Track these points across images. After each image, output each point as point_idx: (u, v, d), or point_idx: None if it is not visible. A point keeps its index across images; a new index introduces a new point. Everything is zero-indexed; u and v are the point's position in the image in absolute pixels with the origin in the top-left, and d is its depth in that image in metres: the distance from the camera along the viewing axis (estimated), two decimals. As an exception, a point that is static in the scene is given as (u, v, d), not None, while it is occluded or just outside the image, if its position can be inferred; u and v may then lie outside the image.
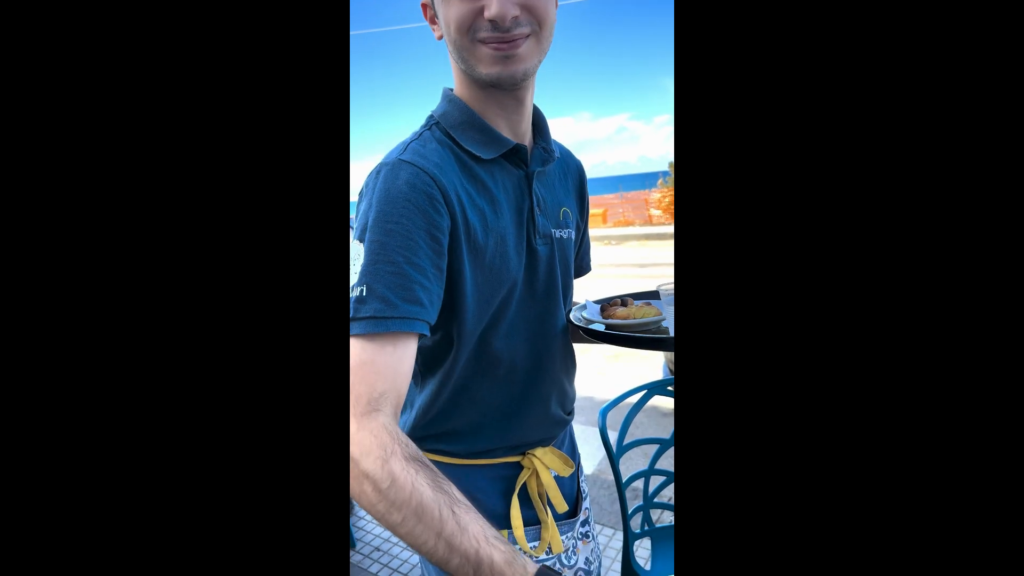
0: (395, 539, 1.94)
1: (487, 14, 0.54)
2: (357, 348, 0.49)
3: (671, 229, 11.22)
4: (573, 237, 0.73)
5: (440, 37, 0.61)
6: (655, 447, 1.26)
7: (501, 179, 0.62)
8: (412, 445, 0.49)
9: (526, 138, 0.66)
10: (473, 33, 0.56)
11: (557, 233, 0.69)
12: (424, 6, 0.63)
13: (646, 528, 1.25)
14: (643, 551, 1.58)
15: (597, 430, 1.21)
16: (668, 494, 1.29)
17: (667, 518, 1.76)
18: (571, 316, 0.74)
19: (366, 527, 2.03)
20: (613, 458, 1.19)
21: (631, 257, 9.08)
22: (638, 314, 0.71)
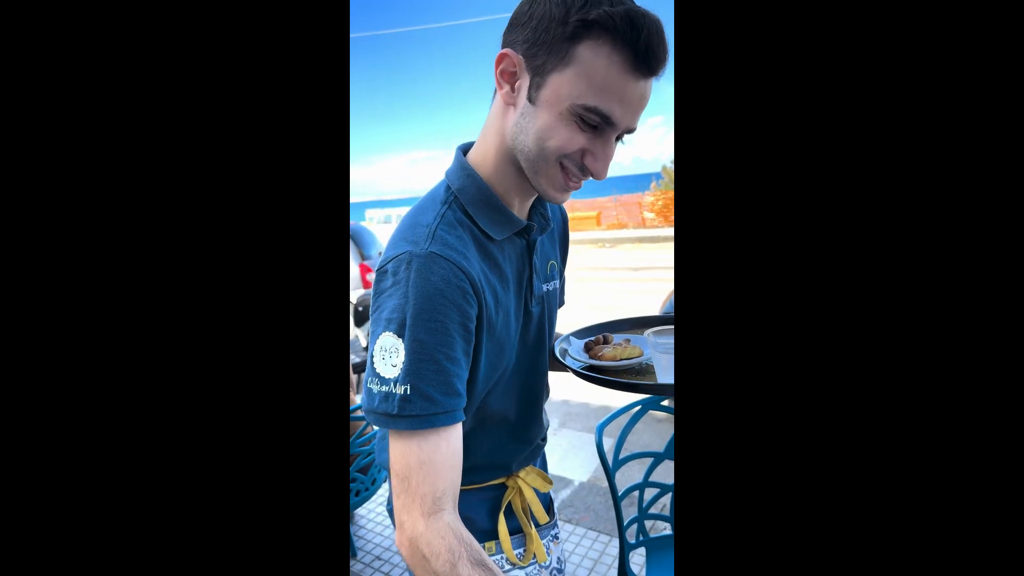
0: (395, 548, 1.98)
1: (587, 162, 0.57)
2: (413, 447, 0.55)
3: (665, 232, 11.29)
4: (558, 286, 0.78)
5: (511, 104, 0.58)
6: (650, 460, 1.31)
7: (508, 252, 0.66)
8: (476, 546, 0.55)
9: (527, 209, 0.68)
10: (561, 157, 0.57)
11: (545, 288, 0.73)
12: (505, 56, 0.56)
13: (641, 538, 1.30)
14: (638, 556, 1.63)
15: (592, 437, 1.25)
16: (661, 505, 1.34)
17: (660, 528, 1.81)
18: (555, 350, 0.79)
19: (367, 536, 2.07)
20: (609, 473, 1.23)
21: (625, 260, 9.14)
22: (622, 354, 0.76)
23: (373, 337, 0.57)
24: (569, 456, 2.62)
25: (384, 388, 0.55)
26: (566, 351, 0.80)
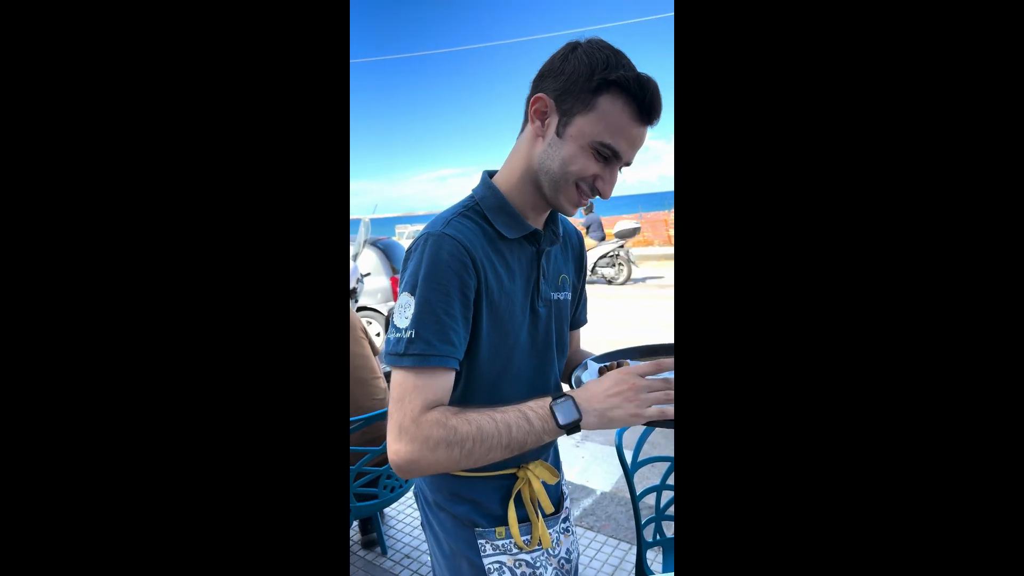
0: (424, 547, 2.07)
1: (598, 185, 0.73)
2: (410, 378, 0.68)
3: (691, 249, 11.14)
4: (569, 298, 0.90)
5: (540, 136, 0.73)
6: (667, 464, 1.38)
7: (518, 254, 0.80)
8: (455, 408, 0.68)
9: (541, 223, 0.83)
10: (578, 180, 0.73)
11: (555, 296, 0.85)
12: (540, 99, 0.72)
13: (658, 538, 1.37)
14: (656, 565, 1.69)
15: (614, 449, 1.33)
16: (679, 508, 1.40)
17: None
18: (573, 377, 0.87)
19: (396, 535, 2.17)
20: (628, 474, 1.31)
21: (651, 277, 9.15)
22: None
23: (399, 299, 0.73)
24: (591, 467, 2.69)
25: (397, 335, 0.70)
26: (579, 378, 0.86)
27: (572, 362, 0.97)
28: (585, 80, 0.69)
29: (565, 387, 0.91)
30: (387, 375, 3.47)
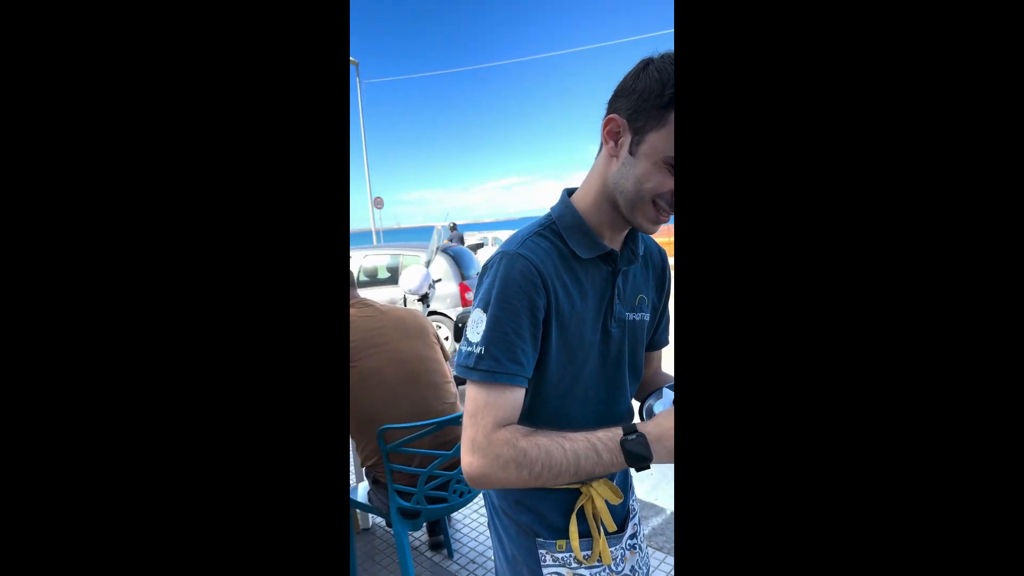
0: (489, 553, 2.09)
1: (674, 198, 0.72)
2: (482, 394, 0.71)
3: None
4: (647, 319, 0.88)
5: (614, 156, 0.74)
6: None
7: (592, 274, 0.80)
8: (526, 428, 0.70)
9: (619, 242, 0.82)
10: (655, 197, 0.72)
11: (630, 316, 0.84)
12: (612, 120, 0.72)
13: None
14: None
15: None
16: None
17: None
18: (646, 406, 0.85)
19: (463, 539, 2.20)
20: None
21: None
22: None
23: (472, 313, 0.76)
24: (661, 485, 2.59)
25: (468, 348, 0.73)
26: (652, 408, 0.84)
27: (650, 384, 0.95)
28: (656, 96, 0.68)
29: (636, 410, 0.89)
30: (457, 380, 3.56)
